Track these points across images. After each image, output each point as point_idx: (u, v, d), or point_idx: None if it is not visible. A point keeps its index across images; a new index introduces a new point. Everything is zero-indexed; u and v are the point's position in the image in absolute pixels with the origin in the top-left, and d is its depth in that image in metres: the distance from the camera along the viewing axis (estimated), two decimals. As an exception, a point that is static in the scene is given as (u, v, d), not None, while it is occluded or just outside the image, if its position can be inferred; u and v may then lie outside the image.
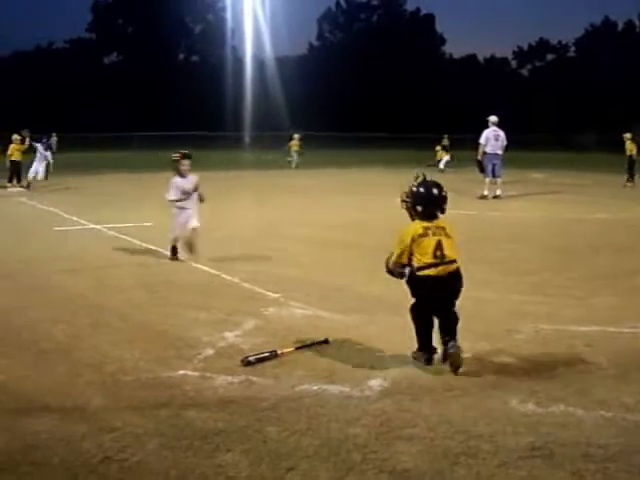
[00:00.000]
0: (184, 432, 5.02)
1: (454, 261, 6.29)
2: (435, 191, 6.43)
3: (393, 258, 6.46)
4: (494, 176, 22.98)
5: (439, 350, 6.44)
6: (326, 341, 7.03)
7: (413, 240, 6.25)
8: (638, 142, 30.11)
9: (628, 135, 30.47)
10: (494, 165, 22.93)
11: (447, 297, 6.37)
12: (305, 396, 5.69)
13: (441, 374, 6.23)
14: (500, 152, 23.03)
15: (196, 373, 6.20)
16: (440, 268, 6.21)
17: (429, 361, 6.43)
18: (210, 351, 6.82)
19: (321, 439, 4.93)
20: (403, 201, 6.50)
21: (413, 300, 6.50)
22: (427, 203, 6.40)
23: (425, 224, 6.31)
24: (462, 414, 5.35)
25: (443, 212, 6.44)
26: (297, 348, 6.82)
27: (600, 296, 9.39)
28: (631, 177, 28.88)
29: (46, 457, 4.67)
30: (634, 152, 29.56)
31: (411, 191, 6.46)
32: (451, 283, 6.32)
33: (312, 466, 4.57)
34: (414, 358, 6.51)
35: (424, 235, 6.24)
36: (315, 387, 5.88)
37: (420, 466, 4.57)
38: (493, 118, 23.23)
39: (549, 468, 4.56)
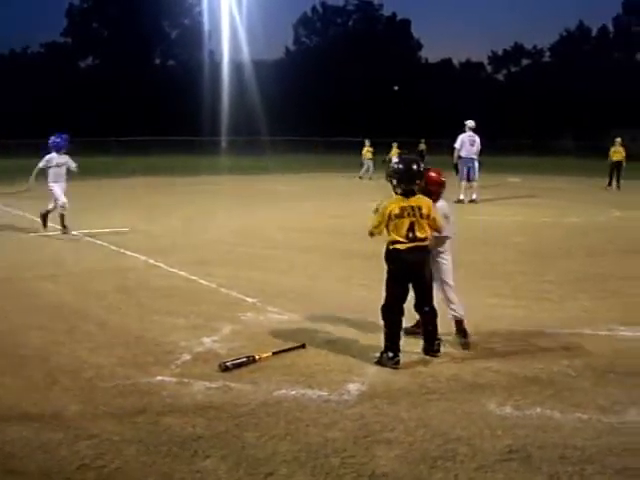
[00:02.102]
0: (162, 438, 5.01)
1: (424, 239, 6.66)
2: (414, 167, 6.75)
3: (370, 226, 6.78)
4: (469, 180, 23.11)
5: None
6: (303, 346, 7.03)
7: (390, 218, 6.61)
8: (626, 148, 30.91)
9: (619, 140, 31.03)
10: (469, 169, 23.06)
11: (416, 268, 6.68)
12: (283, 401, 5.69)
13: (419, 377, 6.25)
14: (475, 156, 23.18)
15: (174, 379, 6.18)
16: (410, 245, 6.60)
17: (395, 363, 6.50)
18: (187, 357, 6.80)
19: (299, 444, 4.93)
20: (388, 176, 6.84)
21: (384, 301, 6.69)
22: (404, 179, 6.71)
23: (403, 203, 6.64)
24: (440, 418, 5.37)
25: (420, 189, 6.79)
26: (275, 353, 6.81)
27: (575, 299, 9.47)
28: (617, 181, 29.70)
29: (23, 465, 4.64)
30: (623, 157, 30.20)
31: (392, 167, 6.88)
32: (419, 256, 6.66)
33: (291, 471, 4.57)
34: (378, 362, 6.59)
35: (400, 216, 6.60)
36: (293, 392, 5.88)
37: (398, 470, 4.58)
38: (470, 123, 23.35)
39: (526, 471, 4.58)
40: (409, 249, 6.59)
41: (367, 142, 37.84)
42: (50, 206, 15.10)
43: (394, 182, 6.75)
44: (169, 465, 4.64)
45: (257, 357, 6.63)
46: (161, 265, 11.49)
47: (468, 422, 5.29)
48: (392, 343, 6.58)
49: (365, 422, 5.29)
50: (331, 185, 31.15)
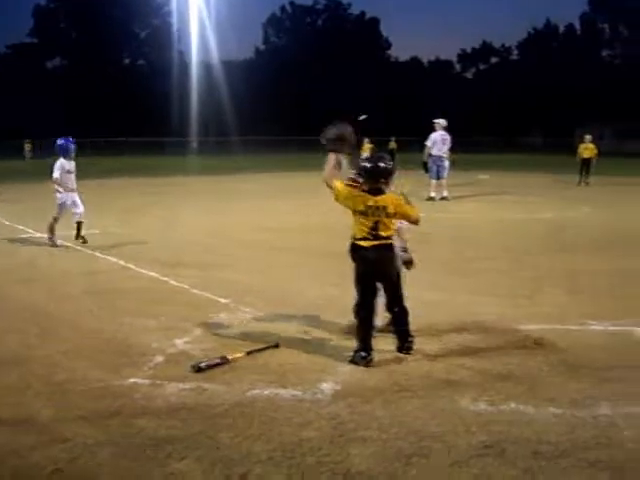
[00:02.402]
0: (136, 440, 4.97)
1: (389, 237, 6.66)
2: (381, 165, 6.71)
3: (332, 184, 6.79)
4: (438, 178, 23.25)
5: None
6: (277, 345, 7.02)
7: (354, 211, 6.65)
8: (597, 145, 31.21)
9: (589, 137, 31.29)
10: (438, 167, 23.20)
11: (381, 267, 6.69)
12: (257, 401, 5.68)
13: (392, 376, 6.26)
14: (445, 155, 23.32)
15: (146, 381, 6.13)
16: (374, 242, 6.60)
17: (368, 361, 6.52)
18: (160, 358, 6.76)
19: (274, 444, 4.92)
20: (357, 174, 6.87)
21: (356, 300, 6.72)
22: (370, 176, 6.68)
23: (370, 202, 6.59)
24: (414, 415, 5.38)
25: (388, 185, 6.75)
26: (248, 353, 6.79)
27: (547, 295, 9.54)
28: (587, 176, 30.01)
29: (-4, 470, 4.59)
30: (594, 154, 30.44)
31: (361, 166, 6.80)
32: (383, 254, 6.64)
33: (266, 471, 4.56)
34: (351, 360, 6.59)
35: (364, 214, 6.60)
36: (267, 392, 5.87)
37: (373, 468, 4.58)
38: (442, 122, 23.48)
39: (501, 466, 4.61)
40: (373, 247, 6.60)
41: (366, 140, 37.37)
42: (55, 214, 13.91)
43: (361, 180, 6.77)
44: (143, 467, 4.61)
45: (230, 357, 6.61)
46: (133, 267, 11.42)
47: (442, 419, 5.31)
48: (363, 342, 6.61)
49: (339, 421, 5.29)
50: (304, 184, 31.12)
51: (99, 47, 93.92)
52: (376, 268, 6.69)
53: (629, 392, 5.87)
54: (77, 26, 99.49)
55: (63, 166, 13.81)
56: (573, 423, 5.25)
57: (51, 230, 13.76)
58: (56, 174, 13.75)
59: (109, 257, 12.21)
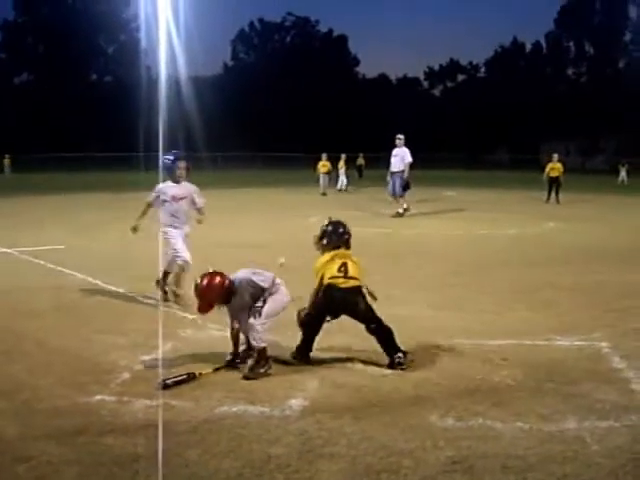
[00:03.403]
0: (102, 459, 4.92)
1: (356, 279, 7.07)
2: (340, 229, 7.38)
3: (315, 289, 7.16)
4: (394, 194, 23.29)
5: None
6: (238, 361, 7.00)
7: (325, 267, 7.11)
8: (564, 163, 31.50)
9: (556, 155, 31.76)
10: (394, 183, 23.22)
11: (347, 306, 7.04)
12: (225, 418, 5.65)
13: (361, 391, 6.26)
14: (399, 170, 23.18)
15: (113, 398, 6.08)
16: (342, 280, 7.00)
17: (300, 360, 7.07)
18: (127, 375, 6.71)
19: (243, 460, 4.89)
20: (319, 239, 7.39)
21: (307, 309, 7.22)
22: (333, 238, 7.31)
23: (332, 253, 7.20)
24: (382, 431, 5.38)
25: (348, 248, 7.36)
26: (216, 370, 6.76)
27: (513, 310, 9.60)
28: (557, 194, 29.97)
29: (-42, 490, 4.52)
30: (560, 173, 30.58)
31: (322, 230, 7.41)
32: (351, 295, 7.02)
33: (234, 488, 4.53)
34: (292, 356, 7.13)
35: (331, 261, 7.13)
36: (235, 408, 5.84)
37: (342, 484, 4.58)
38: (400, 136, 23.51)
39: (469, 481, 4.62)
40: (345, 284, 6.99)
41: (323, 156, 37.68)
42: (165, 264, 10.33)
43: (324, 242, 7.30)
44: (110, 486, 4.56)
45: (198, 374, 6.58)
46: (99, 282, 11.33)
47: (411, 434, 5.31)
48: (306, 343, 7.16)
49: (308, 437, 5.28)
50: (271, 200, 31.13)
51: (66, 63, 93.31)
52: (346, 305, 7.07)
53: (596, 407, 5.91)
54: (45, 41, 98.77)
55: (165, 190, 10.27)
56: (541, 438, 5.28)
57: (163, 289, 10.16)
58: (151, 197, 10.51)
59: (75, 272, 12.10)
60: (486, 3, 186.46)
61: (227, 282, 6.83)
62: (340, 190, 37.34)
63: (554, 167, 30.88)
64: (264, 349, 6.75)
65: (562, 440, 5.23)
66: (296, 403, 5.96)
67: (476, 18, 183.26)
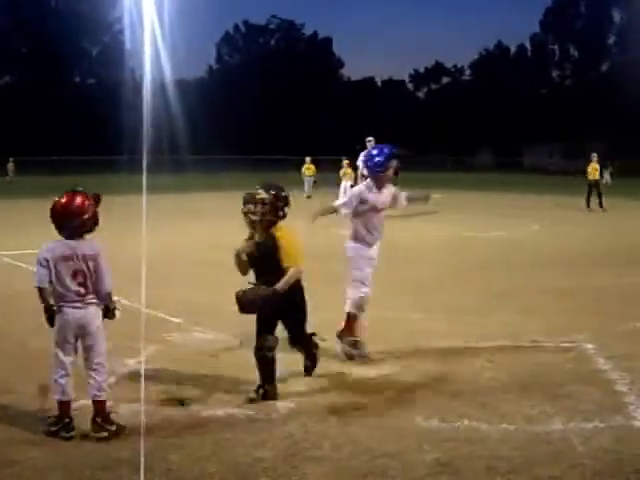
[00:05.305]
0: (86, 463, 4.88)
1: None
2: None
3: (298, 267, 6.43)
4: None
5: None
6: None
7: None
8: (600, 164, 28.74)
9: (595, 156, 28.82)
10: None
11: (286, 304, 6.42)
12: (210, 422, 5.62)
13: (346, 394, 6.25)
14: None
15: (97, 402, 6.02)
16: None
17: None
18: (111, 379, 6.64)
19: (227, 464, 4.87)
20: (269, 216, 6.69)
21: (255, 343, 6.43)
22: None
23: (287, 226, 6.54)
24: (368, 433, 5.37)
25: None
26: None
27: (498, 312, 9.61)
28: (599, 198, 27.44)
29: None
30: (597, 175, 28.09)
31: (283, 196, 6.72)
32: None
33: (219, 492, 4.51)
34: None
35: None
36: (220, 412, 5.81)
37: (328, 487, 4.56)
38: (370, 139, 23.16)
39: (455, 483, 4.61)
40: None
41: (307, 159, 37.58)
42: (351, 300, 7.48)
43: (286, 211, 6.62)
44: (93, 490, 4.53)
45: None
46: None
47: (396, 437, 5.30)
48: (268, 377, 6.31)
49: (293, 440, 5.25)
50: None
51: (49, 65, 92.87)
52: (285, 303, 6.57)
53: (581, 408, 5.92)
54: (27, 43, 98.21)
55: (364, 194, 7.63)
56: (526, 439, 5.28)
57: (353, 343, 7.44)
58: (340, 203, 8.05)
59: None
60: (471, 6, 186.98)
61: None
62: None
63: (596, 168, 28.10)
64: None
65: (548, 441, 5.24)
66: (282, 406, 5.95)
67: (461, 21, 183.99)
